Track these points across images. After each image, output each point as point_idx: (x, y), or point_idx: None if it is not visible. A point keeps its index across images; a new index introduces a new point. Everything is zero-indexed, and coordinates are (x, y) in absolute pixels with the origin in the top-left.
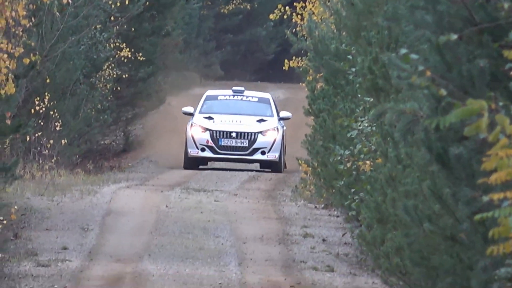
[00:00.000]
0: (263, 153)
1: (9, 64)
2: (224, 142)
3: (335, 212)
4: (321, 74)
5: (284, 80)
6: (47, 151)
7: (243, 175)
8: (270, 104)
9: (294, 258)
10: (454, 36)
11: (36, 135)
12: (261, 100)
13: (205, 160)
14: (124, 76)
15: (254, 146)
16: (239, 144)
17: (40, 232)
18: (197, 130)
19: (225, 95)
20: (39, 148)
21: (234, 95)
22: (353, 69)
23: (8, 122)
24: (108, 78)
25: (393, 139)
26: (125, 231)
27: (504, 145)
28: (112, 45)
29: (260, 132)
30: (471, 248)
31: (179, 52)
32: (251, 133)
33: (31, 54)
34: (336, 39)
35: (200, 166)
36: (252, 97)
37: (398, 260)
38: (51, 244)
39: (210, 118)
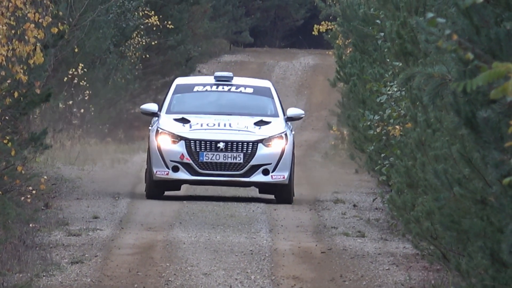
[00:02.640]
0: (265, 172)
1: (37, 34)
2: (207, 157)
3: (366, 178)
4: (350, 40)
5: (313, 46)
6: (77, 120)
7: None
8: (272, 96)
9: (325, 224)
10: None
11: (67, 103)
12: (258, 90)
13: (178, 184)
14: (153, 43)
15: (252, 162)
16: (229, 160)
17: (71, 201)
18: (166, 140)
19: (204, 85)
20: (69, 117)
21: (217, 84)
22: (382, 34)
23: (38, 91)
24: (137, 46)
25: (422, 103)
26: (155, 200)
27: None
28: (140, 13)
29: (261, 141)
30: (501, 211)
31: (208, 19)
32: (248, 142)
33: (59, 24)
34: (364, 4)
35: (167, 193)
36: (245, 86)
37: (429, 224)
38: (82, 213)
39: (184, 120)
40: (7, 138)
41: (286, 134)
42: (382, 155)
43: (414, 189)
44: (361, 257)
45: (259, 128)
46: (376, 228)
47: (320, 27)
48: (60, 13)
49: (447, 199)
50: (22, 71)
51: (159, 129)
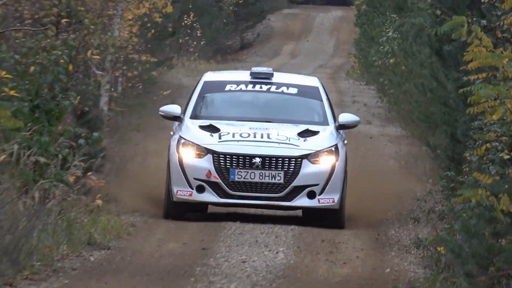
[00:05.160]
0: (311, 195)
1: None
2: (240, 175)
3: (372, 87)
4: None
5: (341, 4)
6: (192, 49)
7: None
8: (321, 98)
9: None
10: None
11: (185, 38)
12: (304, 91)
13: (203, 206)
14: (240, 1)
15: (295, 182)
16: (267, 180)
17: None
18: (189, 153)
19: (238, 83)
20: (187, 47)
21: (254, 83)
22: None
23: (170, 29)
24: (230, 2)
25: (409, 40)
26: None
27: (476, 44)
28: None
29: (307, 157)
30: (456, 109)
31: None
32: (290, 158)
33: None
34: None
35: (189, 214)
36: (288, 85)
37: (412, 116)
38: None
39: (212, 129)
40: (148, 56)
41: (337, 148)
42: (376, 62)
43: (405, 95)
44: (369, 137)
45: (304, 140)
46: (379, 119)
47: None
48: None
49: (423, 101)
50: (158, 16)
51: (181, 138)
